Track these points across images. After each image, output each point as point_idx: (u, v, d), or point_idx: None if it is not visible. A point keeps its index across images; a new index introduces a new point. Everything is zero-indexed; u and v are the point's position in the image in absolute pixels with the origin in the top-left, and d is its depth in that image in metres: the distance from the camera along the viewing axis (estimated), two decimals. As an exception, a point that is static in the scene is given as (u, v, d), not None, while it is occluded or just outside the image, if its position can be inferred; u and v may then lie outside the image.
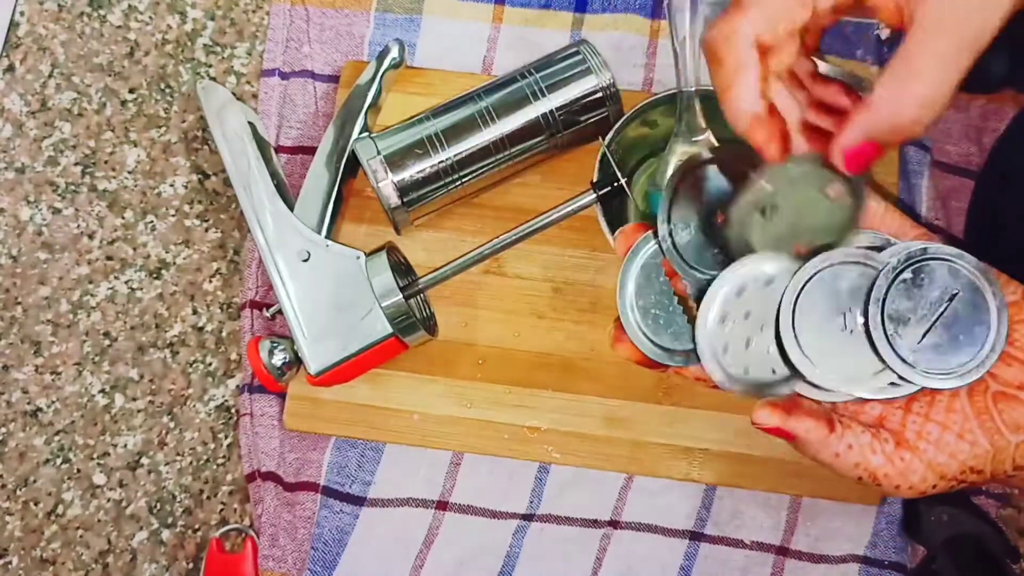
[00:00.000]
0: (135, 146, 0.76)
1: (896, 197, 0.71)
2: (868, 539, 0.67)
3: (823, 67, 0.46)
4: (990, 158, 0.70)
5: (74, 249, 0.75)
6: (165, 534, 0.71)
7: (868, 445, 0.41)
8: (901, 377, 0.40)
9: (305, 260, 0.66)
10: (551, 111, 0.67)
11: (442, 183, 0.67)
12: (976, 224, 0.68)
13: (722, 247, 0.43)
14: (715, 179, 0.43)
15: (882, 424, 0.42)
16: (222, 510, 0.71)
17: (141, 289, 0.74)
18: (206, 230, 0.75)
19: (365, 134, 0.69)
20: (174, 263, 0.74)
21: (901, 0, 0.37)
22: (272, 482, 0.69)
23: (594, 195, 0.65)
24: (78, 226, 0.75)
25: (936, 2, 0.36)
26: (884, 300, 0.40)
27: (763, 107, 0.40)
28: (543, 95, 0.67)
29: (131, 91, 0.77)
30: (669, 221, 0.43)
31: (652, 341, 0.43)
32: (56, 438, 0.72)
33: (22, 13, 0.78)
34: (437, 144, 0.66)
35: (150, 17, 0.78)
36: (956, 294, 0.40)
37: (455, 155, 0.67)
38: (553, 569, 0.68)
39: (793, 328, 0.40)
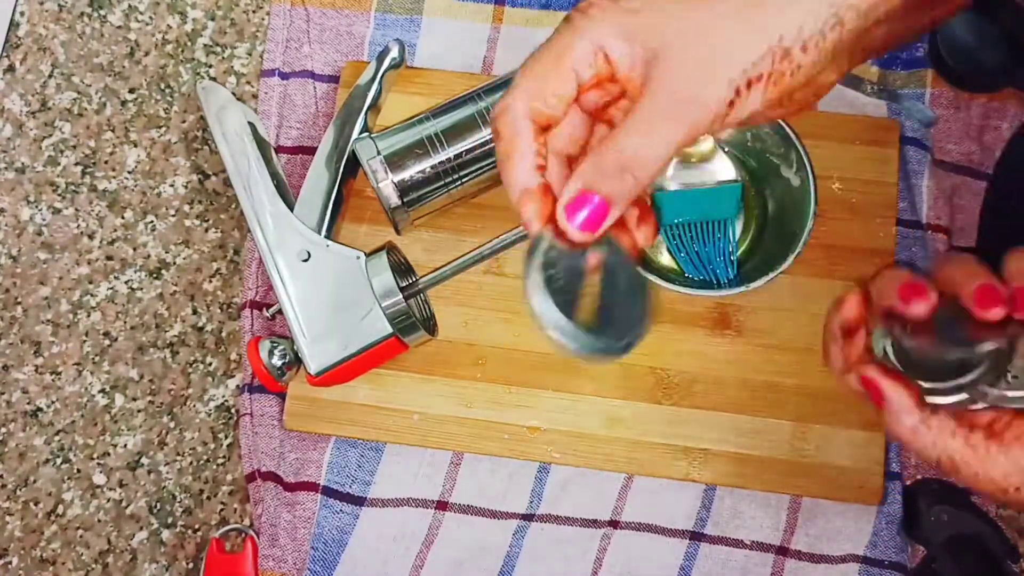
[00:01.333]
0: (135, 146, 0.76)
1: (896, 198, 0.71)
2: (868, 539, 0.67)
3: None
4: (1004, 157, 0.69)
5: (74, 249, 0.75)
6: (165, 534, 0.71)
7: (949, 430, 0.40)
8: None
9: (305, 260, 0.66)
10: (551, 111, 0.67)
11: (442, 183, 0.67)
12: (991, 224, 0.68)
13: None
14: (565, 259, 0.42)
15: (991, 427, 0.41)
16: (222, 510, 0.71)
17: (141, 289, 0.74)
18: (206, 230, 0.75)
19: (365, 134, 0.69)
20: (174, 263, 0.74)
21: (643, 74, 0.38)
22: (272, 482, 0.69)
23: (594, 195, 0.64)
24: (78, 226, 0.75)
25: (660, 83, 0.37)
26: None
27: (536, 181, 0.40)
28: (543, 95, 0.67)
29: (131, 91, 0.77)
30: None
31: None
32: (56, 438, 0.72)
33: (22, 13, 0.78)
34: (437, 144, 0.66)
35: (150, 17, 0.78)
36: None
37: (455, 155, 0.67)
38: (553, 569, 0.68)
39: None
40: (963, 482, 0.40)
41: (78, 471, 0.72)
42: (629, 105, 0.40)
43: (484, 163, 0.68)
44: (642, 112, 0.38)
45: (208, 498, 0.71)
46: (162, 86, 0.77)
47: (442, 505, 0.69)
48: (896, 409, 0.40)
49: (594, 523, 0.69)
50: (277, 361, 0.65)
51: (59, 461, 0.72)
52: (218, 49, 0.78)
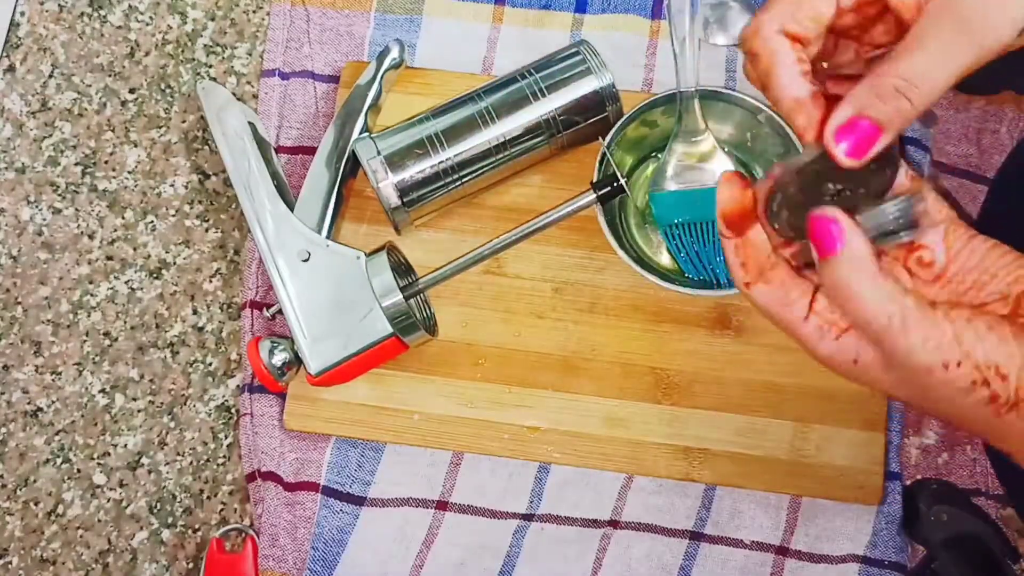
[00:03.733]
0: (135, 146, 0.76)
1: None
2: (868, 539, 0.67)
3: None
4: (1006, 166, 0.69)
5: (74, 249, 0.75)
6: (165, 534, 0.71)
7: (903, 288, 0.38)
8: None
9: (305, 260, 0.66)
10: (551, 111, 0.67)
11: (442, 183, 0.67)
12: (989, 226, 0.68)
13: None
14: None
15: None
16: (222, 510, 0.71)
17: (141, 289, 0.74)
18: (206, 230, 0.75)
19: (365, 134, 0.69)
20: (174, 263, 0.74)
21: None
22: (272, 482, 0.69)
23: (594, 195, 0.65)
24: (78, 226, 0.75)
25: (944, 3, 0.36)
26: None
27: (807, 90, 0.39)
28: (543, 95, 0.67)
29: (131, 91, 0.77)
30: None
31: None
32: (56, 438, 0.72)
33: (22, 13, 0.78)
34: (437, 144, 0.67)
35: (150, 17, 0.78)
36: None
37: (455, 155, 0.67)
38: (553, 569, 0.68)
39: None
40: (904, 351, 0.37)
41: (78, 471, 0.72)
42: (893, 27, 0.39)
43: (484, 163, 0.68)
44: (925, 33, 0.36)
45: (208, 498, 0.71)
46: (162, 86, 0.77)
47: (442, 505, 0.69)
48: (855, 254, 0.37)
49: (594, 523, 0.69)
50: (277, 361, 0.65)
51: (59, 461, 0.72)
52: (218, 49, 0.78)
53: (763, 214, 0.41)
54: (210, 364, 0.73)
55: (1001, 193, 0.67)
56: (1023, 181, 0.63)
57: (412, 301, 0.65)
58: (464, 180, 0.68)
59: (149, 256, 0.75)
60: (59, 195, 0.76)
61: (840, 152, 0.37)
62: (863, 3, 0.40)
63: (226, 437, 0.72)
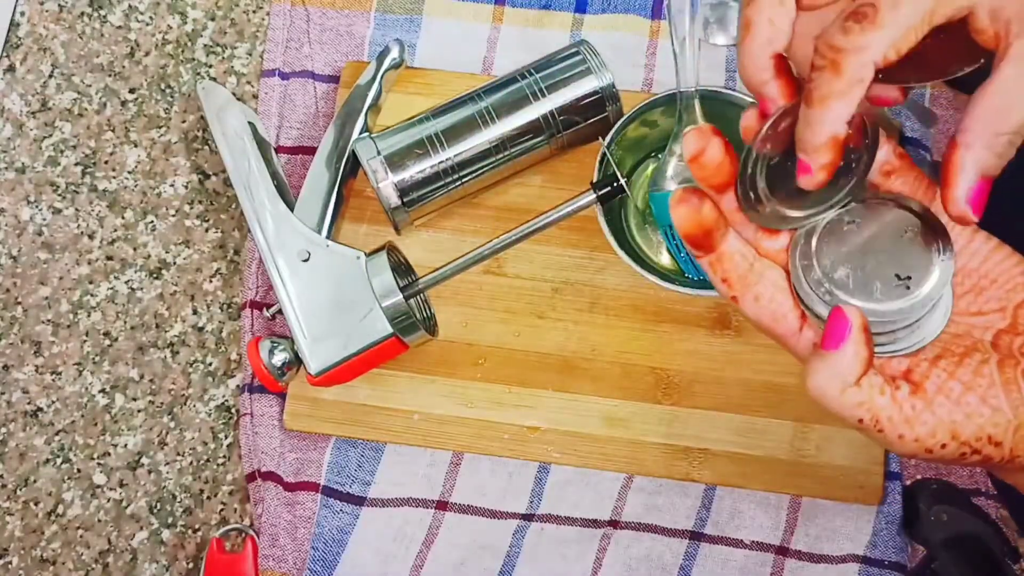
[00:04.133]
0: (135, 146, 0.76)
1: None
2: (868, 539, 0.67)
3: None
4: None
5: (74, 249, 0.75)
6: (165, 534, 0.71)
7: (878, 387, 0.37)
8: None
9: (305, 260, 0.66)
10: (551, 111, 0.67)
11: (442, 183, 0.67)
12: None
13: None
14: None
15: (907, 376, 0.39)
16: (222, 510, 0.71)
17: (141, 289, 0.74)
18: (206, 230, 0.75)
19: (365, 134, 0.69)
20: (174, 263, 0.74)
21: (1000, 29, 0.36)
22: (272, 482, 0.69)
23: (594, 195, 0.65)
24: (78, 226, 0.75)
25: None
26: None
27: (847, 133, 0.38)
28: (543, 95, 0.67)
29: (131, 91, 0.77)
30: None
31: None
32: (56, 438, 0.72)
33: (22, 13, 0.78)
34: (437, 144, 0.67)
35: (150, 17, 0.78)
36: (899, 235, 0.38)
37: (455, 155, 0.67)
38: (553, 569, 0.68)
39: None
40: (883, 443, 0.38)
41: (78, 471, 0.72)
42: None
43: (484, 163, 0.68)
44: (1008, 79, 0.36)
45: (208, 498, 0.71)
46: (162, 86, 0.77)
47: (442, 505, 0.69)
48: (842, 364, 0.37)
49: (594, 523, 0.69)
50: (277, 361, 0.65)
51: (59, 461, 0.72)
52: (218, 49, 0.78)
53: (740, 185, 0.40)
54: (210, 364, 0.73)
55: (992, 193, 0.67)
56: (1013, 180, 0.63)
57: (412, 301, 0.65)
58: (464, 180, 0.68)
59: (149, 256, 0.75)
60: (59, 195, 0.76)
61: (972, 216, 0.37)
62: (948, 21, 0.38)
63: (226, 437, 0.72)
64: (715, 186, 0.40)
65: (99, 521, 0.71)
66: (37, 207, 0.75)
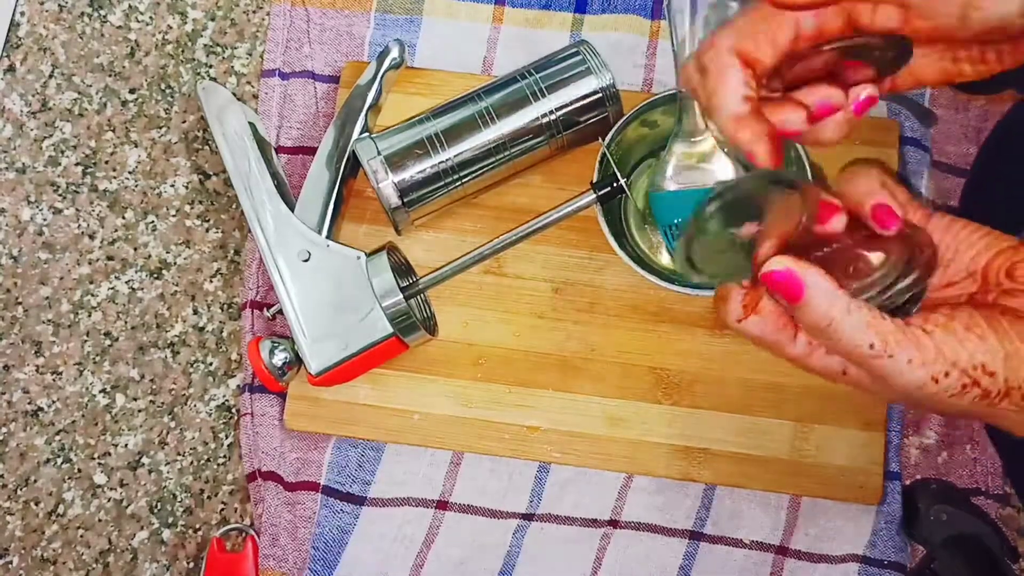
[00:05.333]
0: (136, 146, 0.76)
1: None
2: (868, 539, 0.67)
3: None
4: (986, 145, 0.70)
5: (75, 249, 0.75)
6: (166, 534, 0.71)
7: (879, 312, 0.38)
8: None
9: (305, 260, 0.66)
10: (551, 111, 0.67)
11: (442, 183, 0.67)
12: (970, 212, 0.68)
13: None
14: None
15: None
16: (223, 510, 0.71)
17: (142, 289, 0.74)
18: (207, 230, 0.75)
19: (365, 134, 0.69)
20: (175, 263, 0.74)
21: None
22: (272, 482, 0.69)
23: (594, 195, 0.65)
24: (79, 226, 0.75)
25: None
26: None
27: (746, 109, 0.40)
28: (543, 95, 0.67)
29: (132, 91, 0.77)
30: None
31: None
32: (57, 438, 0.72)
33: (23, 13, 0.78)
34: (437, 144, 0.67)
35: (151, 17, 0.78)
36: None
37: (455, 155, 0.67)
38: (553, 569, 0.68)
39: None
40: (891, 375, 0.37)
41: (79, 471, 0.72)
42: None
43: (484, 163, 0.68)
44: None
45: (209, 498, 0.72)
46: (162, 86, 0.77)
47: (442, 505, 0.69)
48: (820, 293, 0.37)
49: (594, 523, 0.69)
50: (277, 361, 0.65)
51: (60, 461, 0.72)
52: (218, 49, 0.78)
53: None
54: (210, 364, 0.73)
55: (977, 181, 0.68)
56: (997, 168, 0.64)
57: (412, 301, 0.66)
58: (464, 180, 0.68)
59: (149, 256, 0.75)
60: (59, 195, 0.76)
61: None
62: (825, 31, 0.40)
63: (226, 437, 0.72)
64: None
65: (99, 521, 0.71)
66: (38, 207, 0.75)
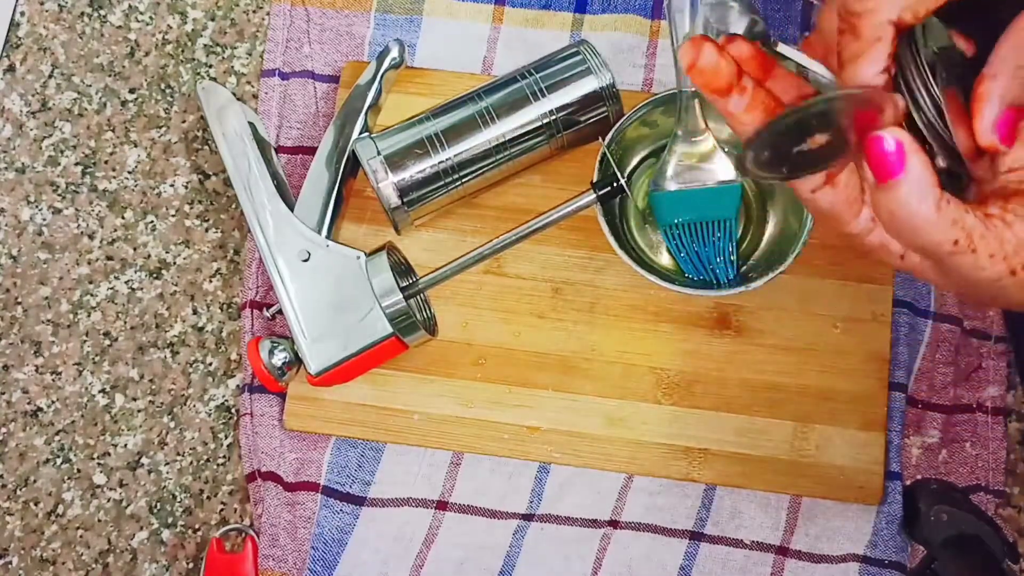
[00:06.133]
0: (135, 146, 0.76)
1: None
2: (868, 539, 0.67)
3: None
4: None
5: (74, 249, 0.75)
6: (165, 534, 0.71)
7: (961, 206, 0.37)
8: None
9: (305, 260, 0.66)
10: (551, 111, 0.67)
11: (442, 183, 0.67)
12: None
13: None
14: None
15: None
16: (222, 510, 0.71)
17: (141, 289, 0.74)
18: (206, 230, 0.75)
19: (365, 134, 0.69)
20: (174, 263, 0.74)
21: None
22: (272, 482, 0.69)
23: (594, 195, 0.65)
24: (78, 226, 0.75)
25: None
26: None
27: (883, 80, 0.39)
28: (543, 95, 0.67)
29: (131, 91, 0.77)
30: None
31: None
32: (56, 438, 0.72)
33: (22, 13, 0.78)
34: (437, 144, 0.67)
35: (150, 17, 0.78)
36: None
37: (455, 155, 0.67)
38: (553, 569, 0.68)
39: None
40: (968, 270, 0.37)
41: (78, 471, 0.72)
42: None
43: (484, 163, 0.68)
44: None
45: (208, 498, 0.71)
46: (162, 86, 0.77)
47: (442, 505, 0.69)
48: (916, 181, 0.35)
49: (594, 523, 0.69)
50: (277, 361, 0.65)
51: (59, 461, 0.72)
52: (218, 49, 0.78)
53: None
54: (210, 364, 0.73)
55: None
56: None
57: (412, 301, 0.66)
58: (464, 180, 0.68)
59: (149, 256, 0.75)
60: (59, 195, 0.76)
61: (998, 144, 0.38)
62: None
63: (226, 437, 0.72)
64: (718, 90, 0.40)
65: (99, 521, 0.71)
66: (37, 207, 0.75)
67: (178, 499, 0.71)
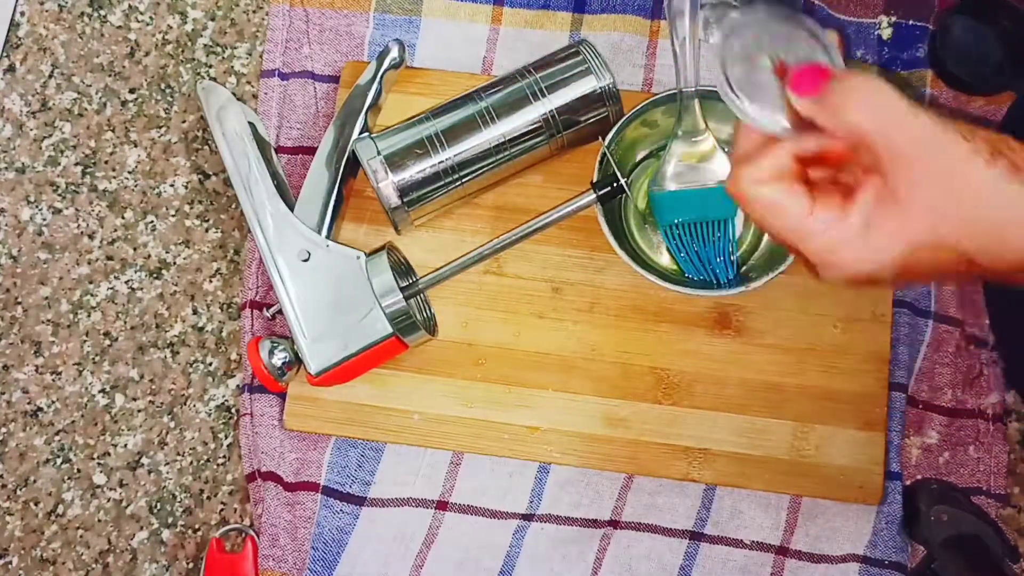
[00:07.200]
0: (135, 146, 0.76)
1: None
2: (868, 539, 0.67)
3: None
4: None
5: (74, 249, 0.75)
6: (165, 534, 0.71)
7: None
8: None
9: (305, 260, 0.66)
10: (551, 111, 0.67)
11: (442, 183, 0.67)
12: None
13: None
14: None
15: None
16: (222, 510, 0.71)
17: (141, 289, 0.74)
18: (206, 230, 0.75)
19: (365, 134, 0.69)
20: (174, 263, 0.74)
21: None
22: (272, 482, 0.69)
23: (594, 195, 0.65)
24: (78, 226, 0.75)
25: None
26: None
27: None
28: (543, 95, 0.67)
29: (131, 91, 0.77)
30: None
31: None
32: (56, 438, 0.72)
33: (23, 13, 0.78)
34: (437, 144, 0.67)
35: (150, 17, 0.78)
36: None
37: (455, 155, 0.67)
38: (553, 569, 0.68)
39: (724, 68, 0.45)
40: (879, 245, 0.41)
41: (78, 471, 0.72)
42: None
43: (484, 163, 0.68)
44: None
45: (208, 498, 0.71)
46: (162, 86, 0.77)
47: (442, 505, 0.69)
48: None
49: (594, 523, 0.69)
50: (277, 361, 0.65)
51: (59, 461, 0.72)
52: (218, 49, 0.78)
53: None
54: (210, 364, 0.73)
55: None
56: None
57: (412, 301, 0.66)
58: (464, 180, 0.68)
59: (149, 256, 0.75)
60: (59, 195, 0.76)
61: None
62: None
63: (226, 437, 0.72)
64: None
65: (99, 521, 0.71)
66: (37, 207, 0.75)
67: (178, 499, 0.71)
